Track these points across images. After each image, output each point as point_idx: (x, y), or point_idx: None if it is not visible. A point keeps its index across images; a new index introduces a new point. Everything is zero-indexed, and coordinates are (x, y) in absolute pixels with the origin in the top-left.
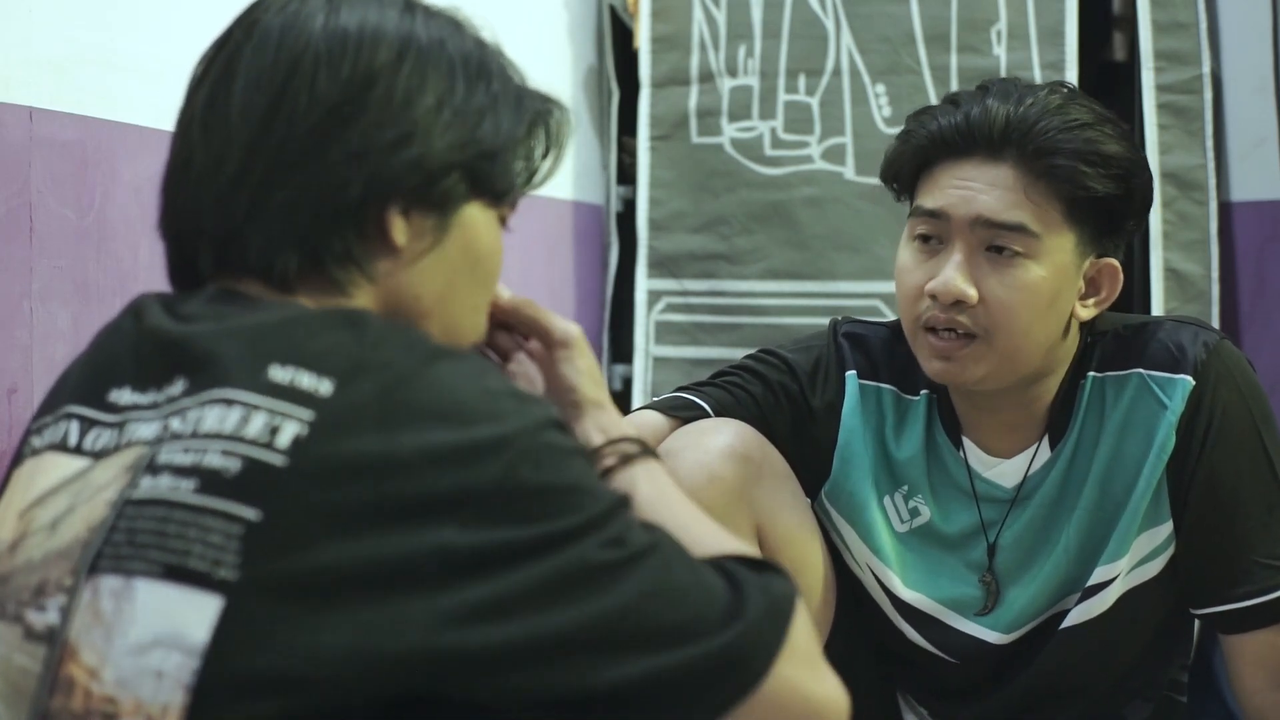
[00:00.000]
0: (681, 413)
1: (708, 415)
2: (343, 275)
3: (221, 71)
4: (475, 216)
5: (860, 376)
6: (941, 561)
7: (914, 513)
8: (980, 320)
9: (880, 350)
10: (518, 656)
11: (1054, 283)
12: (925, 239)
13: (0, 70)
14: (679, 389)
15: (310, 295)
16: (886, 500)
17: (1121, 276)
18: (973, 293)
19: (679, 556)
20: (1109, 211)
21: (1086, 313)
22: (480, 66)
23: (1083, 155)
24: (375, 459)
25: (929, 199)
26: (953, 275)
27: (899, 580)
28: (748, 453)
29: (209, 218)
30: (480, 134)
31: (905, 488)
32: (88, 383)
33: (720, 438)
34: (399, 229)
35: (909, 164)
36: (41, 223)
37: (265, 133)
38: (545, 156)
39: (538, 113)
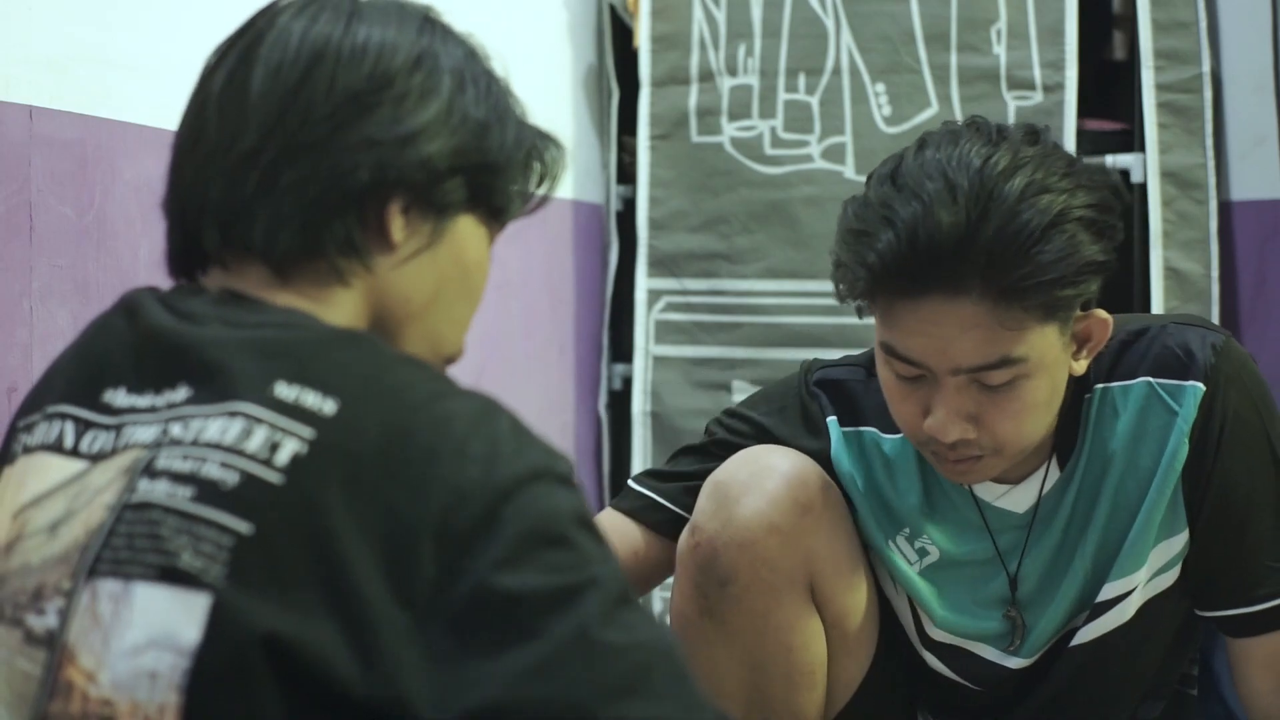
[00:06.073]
0: (648, 515)
1: (673, 513)
2: (341, 262)
3: (241, 56)
4: (468, 229)
5: (841, 423)
6: (961, 596)
7: (921, 553)
8: (986, 442)
9: (858, 393)
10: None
11: (1050, 378)
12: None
13: (0, 69)
14: (642, 474)
15: (309, 284)
16: (892, 544)
17: (1111, 323)
18: (972, 432)
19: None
20: (1087, 296)
21: (1081, 366)
22: (488, 89)
23: (1057, 282)
24: (373, 486)
25: (896, 339)
26: (947, 421)
27: (926, 612)
28: (810, 502)
29: (217, 193)
30: (484, 145)
31: (907, 530)
32: (80, 382)
33: (782, 485)
34: (398, 225)
35: (859, 297)
36: (41, 222)
37: (284, 114)
38: (540, 185)
39: (535, 145)
